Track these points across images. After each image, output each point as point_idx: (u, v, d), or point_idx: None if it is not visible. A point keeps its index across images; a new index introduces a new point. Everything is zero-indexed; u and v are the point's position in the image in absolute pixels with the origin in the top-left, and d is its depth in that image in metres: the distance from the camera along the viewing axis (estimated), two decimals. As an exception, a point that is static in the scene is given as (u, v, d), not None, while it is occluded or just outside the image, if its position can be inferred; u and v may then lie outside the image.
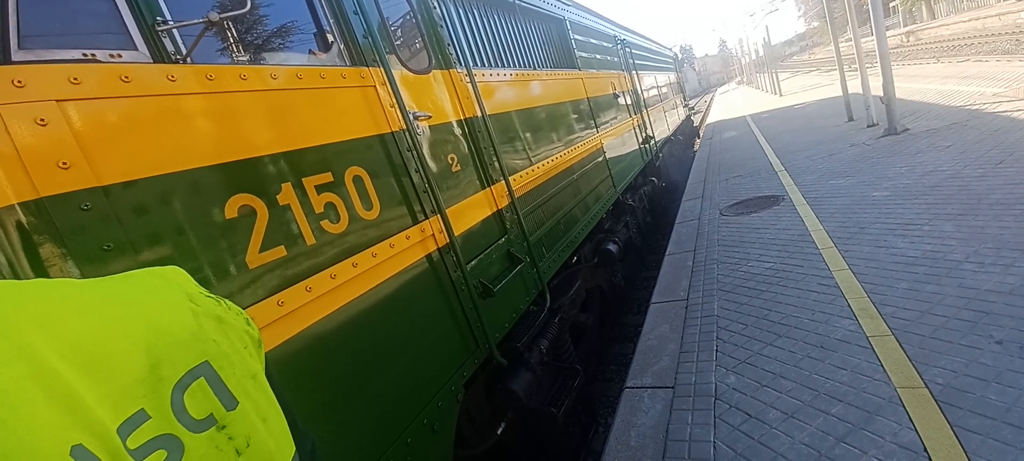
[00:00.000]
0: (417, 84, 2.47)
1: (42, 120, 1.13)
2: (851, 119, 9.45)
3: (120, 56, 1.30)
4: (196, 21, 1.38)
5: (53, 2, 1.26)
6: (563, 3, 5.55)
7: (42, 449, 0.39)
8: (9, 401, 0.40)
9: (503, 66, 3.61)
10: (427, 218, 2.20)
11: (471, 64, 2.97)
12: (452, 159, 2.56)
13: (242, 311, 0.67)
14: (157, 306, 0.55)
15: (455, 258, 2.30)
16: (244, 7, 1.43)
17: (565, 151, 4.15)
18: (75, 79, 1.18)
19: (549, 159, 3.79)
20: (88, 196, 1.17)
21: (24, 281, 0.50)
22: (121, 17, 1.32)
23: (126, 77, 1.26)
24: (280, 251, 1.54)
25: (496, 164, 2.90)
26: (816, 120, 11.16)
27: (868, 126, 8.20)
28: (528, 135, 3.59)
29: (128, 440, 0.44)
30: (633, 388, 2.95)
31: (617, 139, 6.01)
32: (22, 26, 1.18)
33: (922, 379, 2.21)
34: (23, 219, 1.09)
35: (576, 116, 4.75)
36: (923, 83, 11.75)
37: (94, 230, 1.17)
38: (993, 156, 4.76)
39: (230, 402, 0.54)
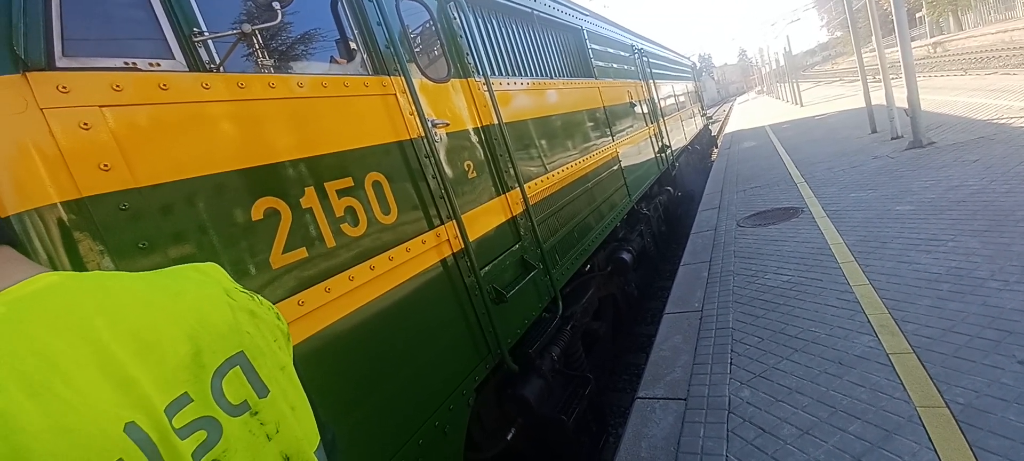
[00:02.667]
0: (436, 92, 2.52)
1: (85, 124, 1.20)
2: (874, 131, 9.27)
3: (159, 65, 1.36)
4: (230, 32, 1.45)
5: (95, 12, 1.34)
6: (581, 13, 5.59)
7: (100, 425, 0.43)
8: (73, 382, 0.44)
9: (520, 75, 3.66)
10: (443, 223, 2.24)
11: (489, 73, 3.02)
12: (468, 166, 2.61)
13: (272, 306, 0.71)
14: (200, 299, 0.59)
15: (469, 263, 2.33)
16: (276, 19, 1.49)
17: (580, 159, 4.16)
18: (117, 86, 1.25)
19: (564, 167, 3.81)
20: (126, 196, 1.23)
21: (88, 273, 0.55)
22: (160, 27, 1.39)
23: (164, 85, 1.33)
24: (302, 252, 1.59)
25: (512, 171, 2.94)
26: (838, 131, 10.97)
27: (892, 138, 8.04)
28: (544, 143, 3.62)
29: (174, 420, 0.48)
30: (645, 398, 2.94)
31: (633, 148, 6.00)
32: (66, 34, 1.26)
33: (943, 398, 2.17)
34: (65, 217, 1.15)
35: (592, 124, 4.77)
36: (949, 95, 11.47)
37: (131, 228, 1.23)
38: (1021, 171, 4.63)
39: (262, 390, 0.58)
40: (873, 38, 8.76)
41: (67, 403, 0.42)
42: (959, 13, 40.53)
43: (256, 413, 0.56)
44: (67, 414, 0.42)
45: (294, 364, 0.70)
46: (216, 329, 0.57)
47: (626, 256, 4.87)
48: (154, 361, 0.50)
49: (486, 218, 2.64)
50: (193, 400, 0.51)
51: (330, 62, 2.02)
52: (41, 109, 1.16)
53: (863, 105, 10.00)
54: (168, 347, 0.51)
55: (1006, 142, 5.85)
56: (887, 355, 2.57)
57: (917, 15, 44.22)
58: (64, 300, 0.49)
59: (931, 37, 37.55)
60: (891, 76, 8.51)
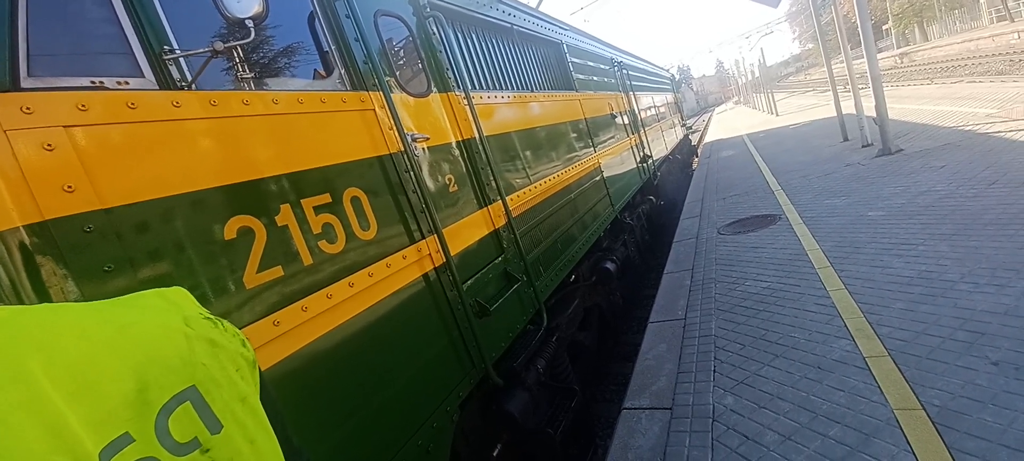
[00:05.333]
0: (416, 107, 2.52)
1: (49, 145, 1.17)
2: (846, 139, 9.54)
3: (127, 83, 1.34)
4: (202, 50, 1.43)
5: (63, 32, 1.31)
6: (561, 27, 5.67)
7: None
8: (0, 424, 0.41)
9: (501, 89, 3.68)
10: (424, 238, 2.23)
11: (469, 87, 3.04)
12: (449, 180, 2.60)
13: (238, 332, 0.67)
14: (151, 329, 0.56)
15: (451, 278, 2.32)
16: (249, 36, 1.48)
17: (563, 171, 4.20)
18: (82, 106, 1.22)
19: (546, 179, 3.83)
20: (91, 218, 1.19)
21: (32, 306, 0.52)
22: (129, 46, 1.37)
23: (132, 104, 1.30)
24: (277, 271, 1.56)
25: (493, 184, 2.94)
26: (811, 140, 11.27)
27: (863, 146, 8.28)
28: (526, 155, 3.64)
29: None
30: (631, 409, 2.93)
31: (615, 158, 6.08)
32: (32, 54, 1.23)
33: (919, 401, 2.21)
34: (27, 240, 1.11)
35: (574, 136, 4.82)
36: (916, 104, 11.90)
37: (95, 251, 1.19)
38: (986, 176, 4.81)
39: (215, 426, 0.55)
40: (841, 50, 9.07)
41: None
42: (925, 24, 42.27)
43: (207, 451, 0.53)
44: None
45: (267, 389, 0.67)
46: (166, 362, 0.54)
47: (610, 266, 4.90)
48: (92, 400, 0.47)
49: (468, 231, 2.63)
50: (134, 440, 0.48)
51: (308, 78, 2.01)
52: (4, 131, 1.12)
53: (834, 114, 10.31)
54: (108, 385, 0.49)
55: (971, 148, 6.07)
56: (864, 359, 2.62)
57: (884, 27, 45.97)
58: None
59: (898, 48, 38.99)
60: (860, 86, 8.80)
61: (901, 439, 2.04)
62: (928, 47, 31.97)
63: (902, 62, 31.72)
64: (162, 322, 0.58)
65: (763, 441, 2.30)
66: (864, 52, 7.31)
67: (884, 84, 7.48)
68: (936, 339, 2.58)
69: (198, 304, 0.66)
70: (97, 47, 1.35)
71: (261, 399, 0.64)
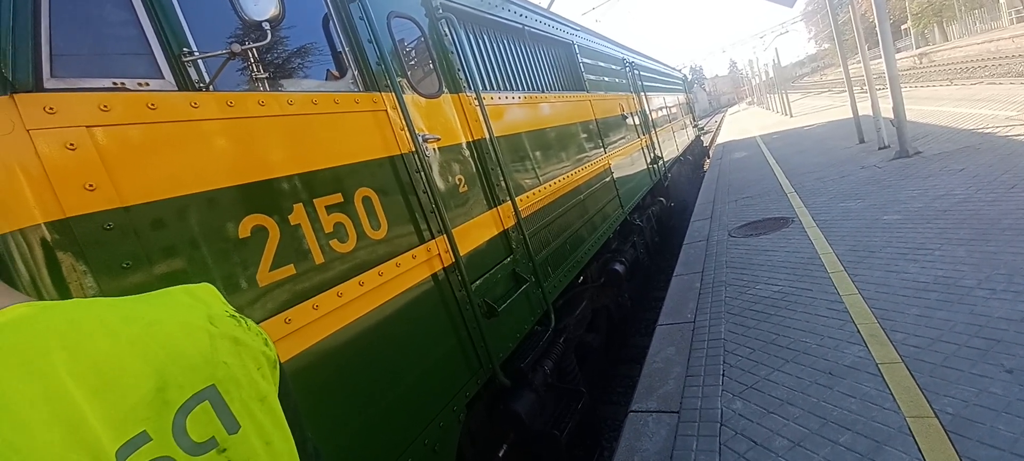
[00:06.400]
0: (427, 107, 2.54)
1: (71, 145, 1.20)
2: (862, 141, 9.40)
3: (147, 84, 1.37)
4: (220, 52, 1.46)
5: (84, 33, 1.35)
6: (572, 28, 5.66)
7: None
8: (18, 420, 0.42)
9: (512, 89, 3.69)
10: (433, 238, 2.25)
11: (480, 88, 3.05)
12: (459, 180, 2.62)
13: (262, 331, 0.67)
14: (175, 328, 0.56)
15: (460, 277, 2.33)
16: (265, 39, 1.51)
17: (572, 172, 4.19)
18: (104, 106, 1.26)
19: (556, 180, 3.83)
20: (111, 216, 1.23)
21: (61, 302, 0.53)
22: (149, 47, 1.40)
23: (152, 105, 1.34)
24: (290, 269, 1.59)
25: (503, 185, 2.95)
26: (826, 142, 11.12)
27: (879, 148, 8.15)
28: (536, 156, 3.64)
29: None
30: (638, 412, 2.93)
31: (625, 159, 6.05)
32: (55, 55, 1.26)
33: (932, 408, 2.18)
34: (48, 237, 1.15)
35: (584, 137, 4.81)
36: (935, 105, 11.67)
37: (114, 248, 1.23)
38: (1006, 181, 4.71)
39: (232, 426, 0.55)
40: (858, 50, 8.92)
41: (9, 444, 0.41)
42: (944, 24, 41.42)
43: (224, 450, 0.53)
44: (8, 456, 0.40)
45: (288, 386, 0.67)
46: (188, 361, 0.54)
47: (619, 267, 4.88)
48: (112, 398, 0.47)
49: (477, 232, 2.65)
50: (151, 439, 0.48)
51: (322, 79, 2.03)
52: (27, 130, 1.16)
53: (851, 116, 10.14)
54: (130, 382, 0.49)
55: (991, 151, 5.95)
56: (876, 365, 2.58)
57: (903, 26, 45.12)
58: (25, 333, 0.47)
59: (917, 48, 38.22)
60: (877, 87, 8.65)
61: (913, 447, 2.02)
62: (948, 47, 31.31)
63: (921, 62, 31.10)
64: (186, 319, 0.58)
65: (772, 446, 2.28)
66: (882, 52, 7.19)
67: (902, 85, 7.34)
68: (951, 346, 2.54)
69: (225, 301, 0.66)
70: (118, 48, 1.39)
71: (281, 399, 0.64)
